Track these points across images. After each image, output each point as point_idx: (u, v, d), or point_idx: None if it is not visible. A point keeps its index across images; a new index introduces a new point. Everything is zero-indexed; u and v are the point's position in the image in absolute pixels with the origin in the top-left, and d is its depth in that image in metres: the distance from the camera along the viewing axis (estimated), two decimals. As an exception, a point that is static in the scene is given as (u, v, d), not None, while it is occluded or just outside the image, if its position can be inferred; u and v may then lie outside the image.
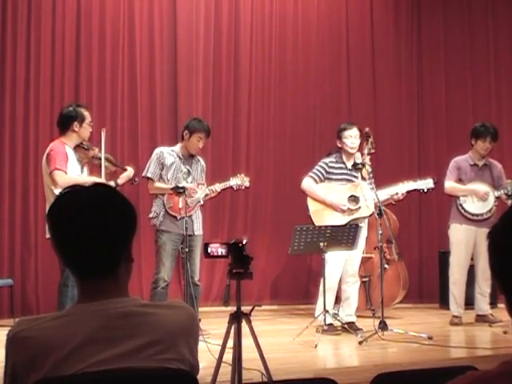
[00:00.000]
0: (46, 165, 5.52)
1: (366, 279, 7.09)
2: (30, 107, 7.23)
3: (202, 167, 6.33)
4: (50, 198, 5.48)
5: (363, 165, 6.21)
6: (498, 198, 6.58)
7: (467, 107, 8.69)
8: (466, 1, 8.85)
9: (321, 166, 6.37)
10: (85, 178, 5.51)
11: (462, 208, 6.63)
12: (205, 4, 8.00)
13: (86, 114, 5.68)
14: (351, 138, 6.29)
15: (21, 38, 7.22)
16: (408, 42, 8.74)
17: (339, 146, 6.38)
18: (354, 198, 6.30)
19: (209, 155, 7.78)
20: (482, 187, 6.62)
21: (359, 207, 6.27)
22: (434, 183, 6.40)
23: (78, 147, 5.62)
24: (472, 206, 6.62)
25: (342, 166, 6.35)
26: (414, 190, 6.37)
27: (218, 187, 6.20)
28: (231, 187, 6.31)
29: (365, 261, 7.12)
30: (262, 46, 8.26)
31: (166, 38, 7.89)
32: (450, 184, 6.71)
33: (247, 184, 6.36)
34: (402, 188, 6.30)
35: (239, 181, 6.28)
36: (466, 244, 6.59)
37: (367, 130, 6.41)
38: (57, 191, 5.37)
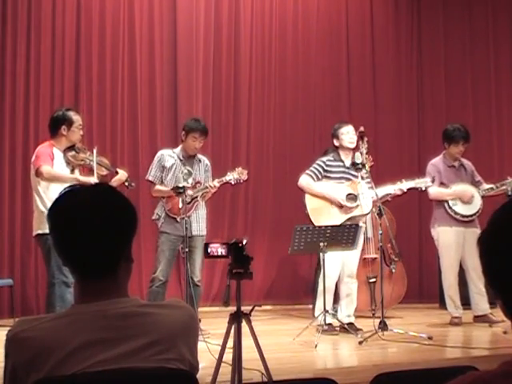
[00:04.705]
0: (32, 167, 5.63)
1: (374, 280, 7.02)
2: (30, 107, 7.24)
3: (207, 166, 6.32)
4: (38, 204, 5.53)
5: (363, 165, 6.17)
6: (483, 196, 6.57)
7: (467, 107, 8.70)
8: (466, -2, 8.88)
9: (318, 165, 6.30)
10: (67, 173, 5.60)
11: (452, 210, 6.60)
12: (205, 3, 8.01)
13: (76, 117, 5.76)
14: (348, 133, 6.27)
15: (21, 37, 7.23)
16: (408, 41, 8.75)
17: (336, 144, 6.33)
18: (352, 197, 6.22)
19: (209, 155, 7.77)
20: (466, 188, 6.60)
21: (357, 205, 6.21)
22: (432, 181, 6.48)
23: (68, 149, 5.69)
24: (461, 207, 6.60)
25: (340, 164, 6.30)
26: (412, 188, 6.37)
27: (214, 183, 6.13)
28: (229, 182, 6.22)
29: (371, 261, 7.11)
30: (262, 46, 8.27)
31: (166, 37, 7.90)
32: (434, 189, 6.63)
33: (245, 177, 6.25)
34: (402, 186, 6.28)
35: (236, 174, 6.19)
36: (456, 246, 6.59)
37: (362, 129, 6.31)
38: (42, 185, 5.51)
